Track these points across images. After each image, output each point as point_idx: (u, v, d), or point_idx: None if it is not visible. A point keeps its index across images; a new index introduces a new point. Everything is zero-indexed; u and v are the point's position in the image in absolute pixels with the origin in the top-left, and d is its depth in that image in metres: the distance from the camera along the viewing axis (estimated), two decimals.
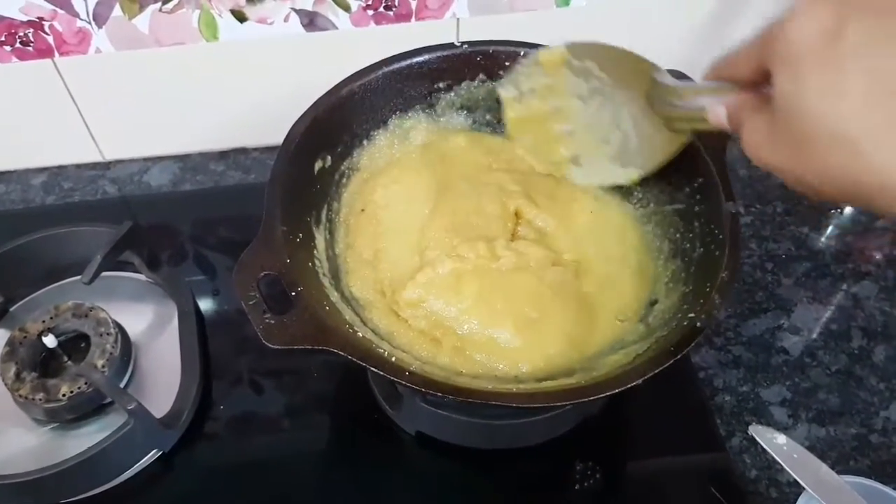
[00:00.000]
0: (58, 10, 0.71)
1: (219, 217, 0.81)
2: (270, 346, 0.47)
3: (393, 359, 0.49)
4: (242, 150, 0.88)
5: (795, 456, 0.54)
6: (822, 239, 0.77)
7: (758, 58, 0.38)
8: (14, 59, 0.74)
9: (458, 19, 0.78)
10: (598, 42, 0.55)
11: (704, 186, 0.56)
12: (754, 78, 0.40)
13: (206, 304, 0.73)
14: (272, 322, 0.48)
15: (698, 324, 0.48)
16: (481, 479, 0.62)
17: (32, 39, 0.73)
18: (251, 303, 0.49)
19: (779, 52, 0.35)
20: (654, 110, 0.54)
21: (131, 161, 0.87)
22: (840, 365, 0.68)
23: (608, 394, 0.46)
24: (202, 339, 0.69)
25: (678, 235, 0.58)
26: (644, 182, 0.61)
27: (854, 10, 0.33)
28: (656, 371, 0.46)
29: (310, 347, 0.47)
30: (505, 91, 0.62)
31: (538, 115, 0.61)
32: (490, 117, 0.67)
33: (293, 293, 0.49)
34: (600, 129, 0.59)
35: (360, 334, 0.51)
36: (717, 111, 0.44)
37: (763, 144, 0.38)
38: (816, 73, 0.33)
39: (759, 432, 0.56)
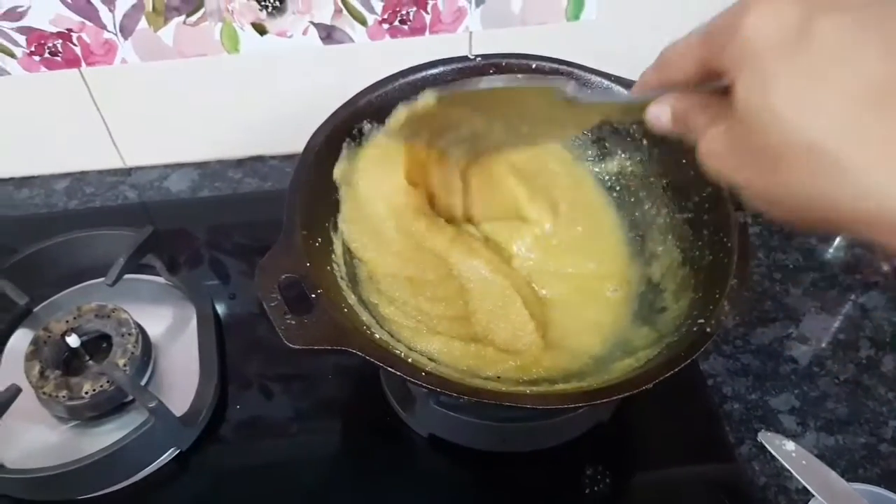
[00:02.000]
0: (86, 22, 0.73)
1: (236, 223, 0.83)
2: (292, 346, 0.49)
3: (409, 360, 0.50)
4: (259, 158, 0.90)
5: (804, 463, 0.55)
6: (830, 250, 0.78)
7: (704, 57, 0.33)
8: (43, 68, 0.77)
9: (470, 33, 0.79)
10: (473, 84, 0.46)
11: (713, 196, 0.57)
12: (699, 79, 0.35)
13: (221, 308, 0.74)
14: (293, 323, 0.49)
15: (708, 329, 0.49)
16: (492, 482, 0.63)
17: (61, 50, 0.75)
18: (273, 304, 0.50)
19: (736, 52, 0.30)
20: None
21: (152, 167, 0.89)
22: (848, 374, 0.69)
23: (619, 397, 0.47)
24: (219, 342, 0.70)
25: (687, 244, 0.59)
26: (657, 192, 0.63)
27: (819, 3, 0.29)
28: (666, 375, 0.47)
29: (329, 348, 0.49)
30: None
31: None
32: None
33: (313, 295, 0.51)
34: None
35: (378, 336, 0.52)
36: (657, 113, 0.37)
37: (725, 157, 0.32)
38: (786, 79, 0.29)
39: (769, 439, 0.57)
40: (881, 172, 0.27)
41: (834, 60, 0.28)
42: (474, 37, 0.80)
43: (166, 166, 0.89)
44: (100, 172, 0.89)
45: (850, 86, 0.27)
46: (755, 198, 0.32)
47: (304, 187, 0.58)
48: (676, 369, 0.47)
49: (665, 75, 0.37)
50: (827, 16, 0.28)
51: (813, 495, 0.53)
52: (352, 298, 0.56)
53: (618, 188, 0.67)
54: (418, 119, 0.49)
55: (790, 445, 0.55)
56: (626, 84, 0.64)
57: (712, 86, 0.34)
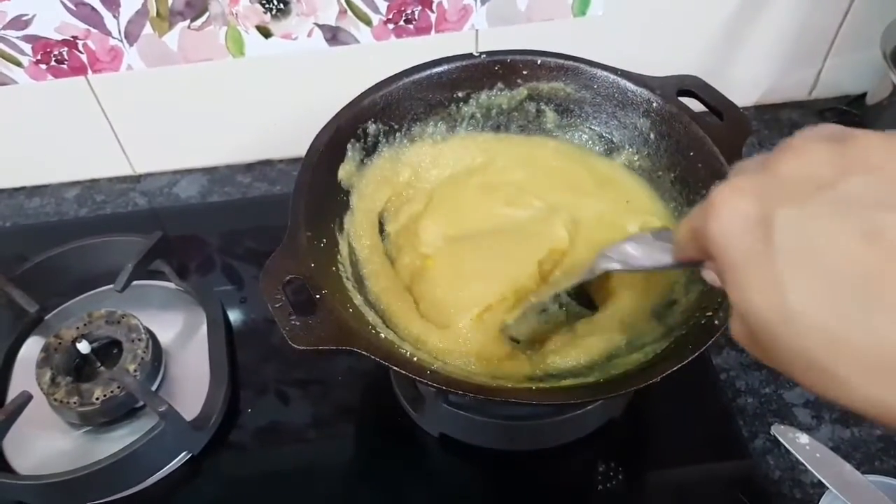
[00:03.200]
0: (91, 29, 0.74)
1: (245, 227, 0.83)
2: (296, 347, 0.48)
3: (415, 359, 0.50)
4: (268, 163, 0.90)
5: (818, 455, 0.54)
6: None
7: (699, 249, 0.33)
8: (49, 76, 0.77)
9: (476, 31, 0.79)
10: None
11: None
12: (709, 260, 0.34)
13: (233, 313, 0.75)
14: (297, 324, 0.49)
15: (716, 322, 0.49)
16: (504, 480, 0.63)
17: (67, 58, 0.76)
18: (277, 305, 0.50)
19: (716, 257, 0.31)
20: None
21: (161, 174, 0.90)
22: None
23: (626, 391, 0.47)
24: (230, 346, 0.71)
25: None
26: (665, 186, 0.62)
27: (775, 198, 0.28)
28: (674, 369, 0.46)
29: (334, 348, 0.48)
30: None
31: None
32: (507, 125, 0.69)
33: (317, 296, 0.51)
34: None
35: (383, 336, 0.52)
36: (709, 279, 0.37)
37: (742, 339, 0.32)
38: (757, 282, 0.28)
39: (782, 432, 0.56)
40: (873, 387, 0.26)
41: (805, 258, 0.27)
42: (480, 35, 0.80)
43: (175, 172, 0.90)
44: (110, 180, 0.90)
45: (831, 280, 0.26)
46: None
47: (309, 188, 0.57)
48: (684, 363, 0.46)
49: (683, 255, 0.38)
50: (781, 207, 0.28)
51: (828, 488, 0.52)
52: (357, 299, 0.56)
53: None
54: None
55: (804, 438, 0.55)
56: (633, 78, 0.64)
57: None
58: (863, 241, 0.26)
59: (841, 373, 0.26)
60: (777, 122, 0.90)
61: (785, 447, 0.55)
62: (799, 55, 0.87)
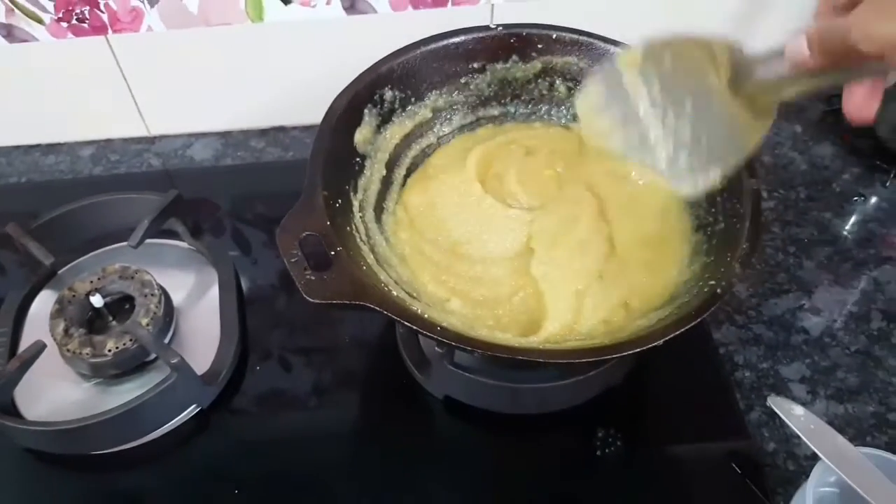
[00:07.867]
0: None
1: (258, 192, 0.84)
2: (311, 300, 0.50)
3: (426, 315, 0.51)
4: (282, 129, 0.91)
5: (812, 427, 0.56)
6: (847, 226, 0.78)
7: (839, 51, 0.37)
8: (70, 34, 0.78)
9: (492, 5, 0.80)
10: (673, 34, 0.49)
11: None
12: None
13: (243, 275, 0.76)
14: (312, 278, 0.50)
15: (718, 290, 0.50)
16: (506, 443, 0.64)
17: (88, 17, 0.77)
18: (293, 260, 0.51)
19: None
20: (737, 94, 0.48)
21: (176, 136, 0.91)
22: (859, 345, 0.69)
23: (630, 352, 0.48)
24: (241, 306, 0.72)
25: (701, 210, 0.60)
26: None
27: None
28: (677, 332, 0.48)
29: (348, 303, 0.50)
30: (580, 106, 0.56)
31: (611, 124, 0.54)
32: (520, 97, 0.70)
33: (332, 252, 0.52)
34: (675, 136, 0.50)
35: (395, 293, 0.54)
36: (796, 44, 0.40)
37: (877, 16, 0.35)
38: None
39: (778, 403, 0.57)
40: None
41: None
42: (496, 10, 0.81)
43: (190, 135, 0.91)
44: (125, 140, 0.91)
45: None
46: None
47: (327, 149, 0.59)
48: (687, 327, 0.48)
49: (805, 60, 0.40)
50: None
51: (820, 459, 0.54)
52: (370, 258, 0.57)
53: None
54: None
55: (799, 410, 0.56)
56: None
57: None
58: None
59: None
60: (784, 104, 0.90)
61: (780, 421, 0.56)
62: None
